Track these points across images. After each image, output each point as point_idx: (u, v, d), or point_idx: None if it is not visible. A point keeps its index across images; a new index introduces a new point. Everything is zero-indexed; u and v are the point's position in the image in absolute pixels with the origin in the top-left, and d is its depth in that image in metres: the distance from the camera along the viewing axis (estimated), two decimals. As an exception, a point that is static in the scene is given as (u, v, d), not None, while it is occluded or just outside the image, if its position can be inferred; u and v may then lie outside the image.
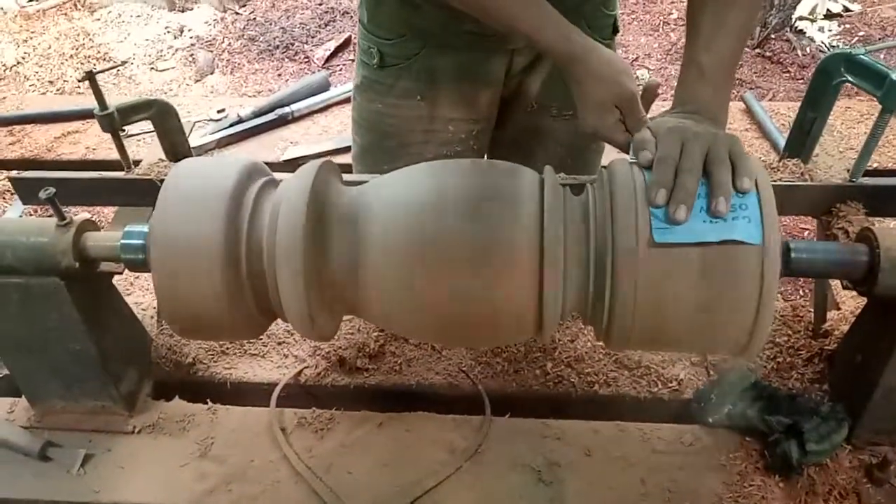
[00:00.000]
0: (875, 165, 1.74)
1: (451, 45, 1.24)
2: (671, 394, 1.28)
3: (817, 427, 1.13)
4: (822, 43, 3.62)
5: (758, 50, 3.59)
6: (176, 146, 1.38)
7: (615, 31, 1.39)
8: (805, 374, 1.27)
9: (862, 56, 1.10)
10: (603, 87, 1.05)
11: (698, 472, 1.15)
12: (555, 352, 1.34)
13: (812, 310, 1.36)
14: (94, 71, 1.22)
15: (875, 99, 1.11)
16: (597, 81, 1.05)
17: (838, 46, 3.62)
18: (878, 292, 0.98)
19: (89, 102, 1.26)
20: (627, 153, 1.03)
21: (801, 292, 2.22)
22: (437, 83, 1.31)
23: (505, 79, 1.35)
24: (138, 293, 1.88)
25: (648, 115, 1.07)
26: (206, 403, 1.29)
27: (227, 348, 1.40)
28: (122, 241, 1.04)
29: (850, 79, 1.13)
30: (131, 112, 1.30)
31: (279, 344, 1.40)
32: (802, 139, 1.23)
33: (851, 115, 1.92)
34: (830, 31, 3.74)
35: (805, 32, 3.67)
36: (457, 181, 0.98)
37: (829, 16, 3.83)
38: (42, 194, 1.05)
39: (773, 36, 3.61)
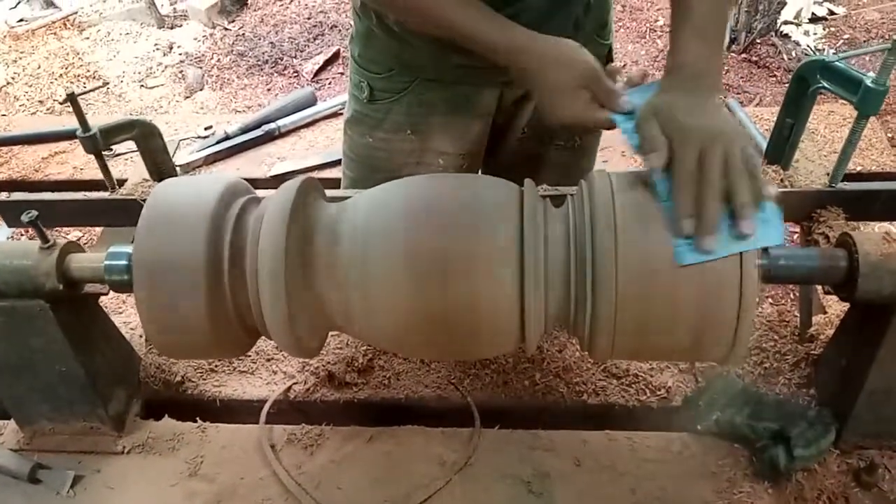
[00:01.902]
0: (858, 169, 1.75)
1: (441, 78, 1.23)
2: (660, 402, 1.29)
3: (804, 432, 1.13)
4: (808, 46, 3.64)
5: (744, 55, 3.61)
6: (160, 166, 1.38)
7: (609, 60, 1.34)
8: (792, 379, 1.27)
9: (837, 63, 1.11)
10: (561, 70, 1.01)
11: (688, 480, 1.16)
12: (543, 362, 1.34)
13: (798, 314, 1.37)
14: (77, 93, 1.23)
15: (852, 105, 1.12)
16: (552, 66, 1.01)
17: (824, 50, 3.65)
18: (858, 297, 0.99)
19: (76, 123, 1.26)
20: (612, 129, 1.00)
21: (791, 296, 2.23)
22: (428, 117, 1.30)
23: (496, 112, 1.34)
24: (130, 312, 1.88)
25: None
26: (196, 422, 1.29)
27: (216, 366, 1.40)
28: (106, 263, 1.04)
29: (826, 85, 1.14)
30: (114, 133, 1.30)
31: (268, 360, 1.40)
32: (782, 146, 1.24)
33: (834, 119, 1.94)
34: (815, 34, 3.75)
35: (790, 36, 3.69)
36: (438, 195, 0.99)
37: (814, 19, 3.85)
38: (24, 217, 1.05)
39: (758, 40, 3.63)
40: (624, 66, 3.73)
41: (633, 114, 0.98)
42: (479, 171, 1.48)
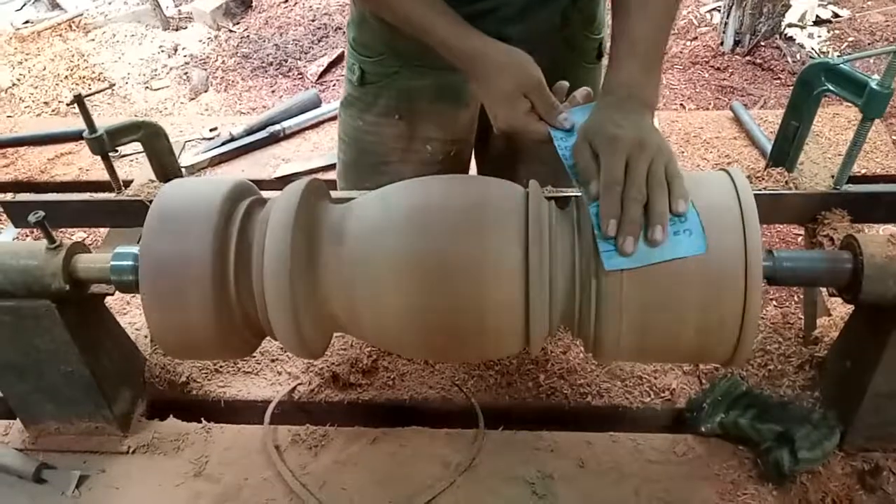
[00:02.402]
0: (863, 172, 1.75)
1: (428, 65, 1.25)
2: (664, 403, 1.29)
3: (809, 434, 1.13)
4: (813, 49, 3.64)
5: (748, 57, 3.61)
6: (166, 167, 1.39)
7: (600, 55, 1.36)
8: (796, 382, 1.27)
9: (842, 65, 1.11)
10: (506, 77, 1.03)
11: (692, 482, 1.16)
12: (547, 364, 1.35)
13: (802, 317, 1.37)
14: (83, 95, 1.23)
15: (856, 107, 1.12)
16: (499, 72, 1.03)
17: (828, 52, 3.64)
18: (862, 299, 0.99)
19: (82, 124, 1.27)
20: (548, 143, 1.02)
21: (795, 299, 2.23)
22: (415, 103, 1.32)
23: None
24: (135, 313, 1.88)
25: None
26: (201, 422, 1.30)
27: (221, 366, 1.40)
28: (112, 263, 1.05)
29: (830, 88, 1.14)
30: (120, 134, 1.31)
31: (272, 361, 1.41)
32: (787, 148, 1.24)
33: (839, 122, 1.94)
34: (820, 37, 3.75)
35: (795, 39, 3.69)
36: (443, 196, 0.99)
37: (819, 22, 3.85)
38: (31, 217, 1.05)
39: (763, 43, 3.63)
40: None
41: (571, 132, 1.01)
42: (470, 160, 1.49)
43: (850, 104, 1.15)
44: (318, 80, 3.85)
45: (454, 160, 1.39)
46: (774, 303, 2.19)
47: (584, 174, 0.93)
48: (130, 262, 1.03)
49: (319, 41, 4.22)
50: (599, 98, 1.01)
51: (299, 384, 1.36)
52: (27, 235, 2.37)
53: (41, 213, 1.06)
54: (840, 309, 1.37)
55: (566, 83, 1.07)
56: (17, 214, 1.33)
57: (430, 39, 1.07)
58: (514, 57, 1.04)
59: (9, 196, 1.37)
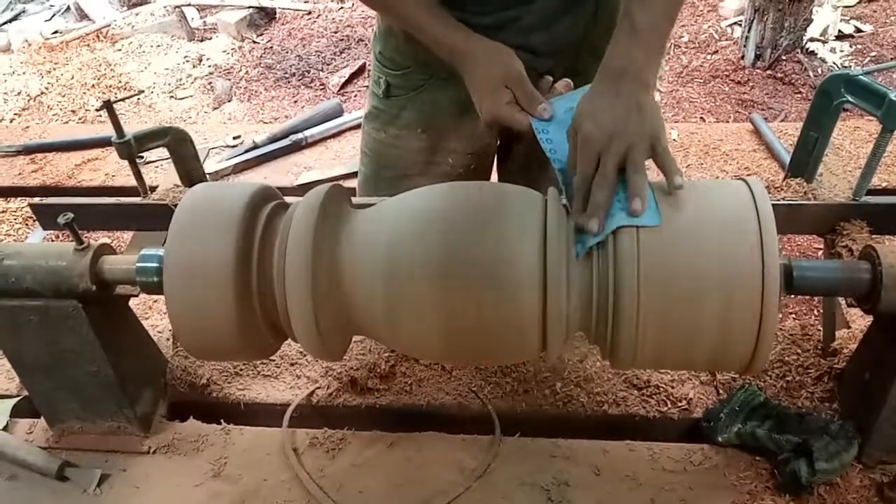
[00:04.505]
0: (884, 185, 1.74)
1: (453, 79, 1.27)
2: (681, 413, 1.29)
3: (827, 446, 1.12)
4: (834, 63, 3.62)
5: (769, 71, 3.60)
6: (191, 172, 1.41)
7: None
8: (814, 393, 1.27)
9: (861, 77, 1.11)
10: (490, 69, 1.10)
11: (708, 492, 1.15)
12: (564, 372, 1.35)
13: (821, 328, 1.36)
14: (112, 100, 1.26)
15: (876, 119, 1.12)
16: (484, 65, 1.11)
17: (850, 67, 3.63)
18: (881, 309, 0.98)
19: (109, 131, 1.30)
20: (530, 135, 1.06)
21: (815, 312, 2.21)
22: (439, 116, 1.33)
23: None
24: (156, 317, 1.91)
25: None
26: (220, 424, 1.32)
27: (241, 369, 1.42)
28: (138, 265, 1.07)
29: (850, 99, 1.14)
30: (147, 139, 1.33)
31: (292, 365, 1.42)
32: (806, 159, 1.24)
33: (860, 135, 1.92)
34: (842, 51, 3.73)
35: (817, 53, 3.67)
36: (462, 203, 1.00)
37: (841, 37, 3.83)
38: (60, 219, 1.08)
39: (784, 57, 3.62)
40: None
41: (551, 122, 1.07)
42: (492, 172, 1.50)
43: (870, 117, 1.15)
44: (339, 90, 3.89)
45: (474, 173, 1.40)
46: (793, 315, 2.18)
47: (570, 167, 1.00)
48: (155, 264, 1.06)
49: (341, 53, 4.27)
50: (595, 80, 1.03)
51: (318, 388, 1.37)
52: (55, 238, 2.41)
53: (70, 215, 1.08)
54: (859, 321, 1.36)
55: (550, 78, 1.14)
56: (46, 217, 1.36)
57: (424, 37, 1.15)
58: (497, 51, 1.11)
59: (37, 199, 1.41)
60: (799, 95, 3.49)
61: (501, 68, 1.09)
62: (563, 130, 1.02)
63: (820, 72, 3.58)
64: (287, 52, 4.31)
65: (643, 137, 0.94)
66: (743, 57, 3.73)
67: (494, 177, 1.54)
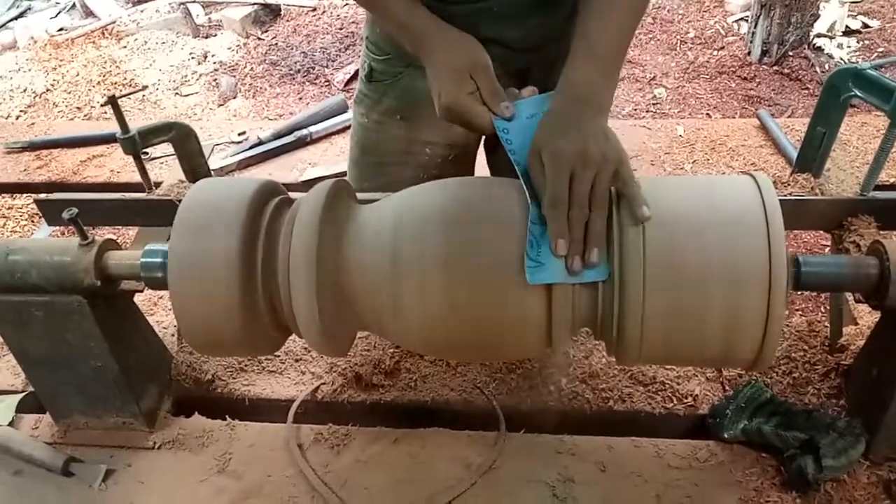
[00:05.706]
0: (892, 180, 1.73)
1: None
2: (686, 409, 1.28)
3: (834, 442, 1.12)
4: (841, 59, 3.61)
5: (776, 67, 3.58)
6: (195, 168, 1.41)
7: None
8: (821, 390, 1.26)
9: (869, 71, 1.11)
10: (456, 55, 1.05)
11: (714, 489, 1.15)
12: (569, 368, 1.35)
13: (828, 325, 1.35)
14: (117, 96, 1.26)
15: (884, 114, 1.11)
16: (449, 50, 1.06)
17: (857, 63, 3.61)
18: (889, 305, 0.98)
19: (113, 127, 1.30)
20: (489, 132, 1.02)
21: (822, 309, 2.20)
22: (417, 105, 1.31)
23: None
24: (161, 312, 1.92)
25: None
26: (225, 419, 1.32)
27: (246, 365, 1.42)
28: (143, 260, 1.07)
29: (857, 93, 1.13)
30: (152, 135, 1.33)
31: (296, 361, 1.42)
32: (813, 154, 1.24)
33: (867, 130, 1.92)
34: (849, 47, 3.72)
35: (824, 49, 3.65)
36: (466, 198, 1.00)
37: (848, 32, 3.81)
38: (65, 214, 1.08)
39: (791, 53, 3.60)
40: (654, 77, 3.73)
41: (511, 121, 1.01)
42: (474, 166, 1.49)
43: (878, 112, 1.14)
44: (344, 87, 3.88)
45: (454, 165, 1.40)
46: (800, 312, 2.17)
47: (538, 188, 0.93)
48: (160, 259, 1.05)
49: (346, 49, 4.26)
50: (553, 98, 1.01)
51: (322, 384, 1.37)
52: (61, 234, 2.41)
53: (75, 210, 1.09)
54: (867, 318, 1.35)
55: (516, 91, 1.08)
56: (52, 212, 1.36)
57: (388, 20, 1.12)
58: (465, 39, 1.07)
59: (43, 195, 1.41)
60: (806, 91, 3.47)
61: (468, 56, 1.05)
62: (525, 136, 0.98)
63: (827, 68, 3.56)
64: (292, 49, 4.31)
65: (611, 160, 0.90)
66: (749, 53, 3.71)
67: (485, 171, 1.53)
